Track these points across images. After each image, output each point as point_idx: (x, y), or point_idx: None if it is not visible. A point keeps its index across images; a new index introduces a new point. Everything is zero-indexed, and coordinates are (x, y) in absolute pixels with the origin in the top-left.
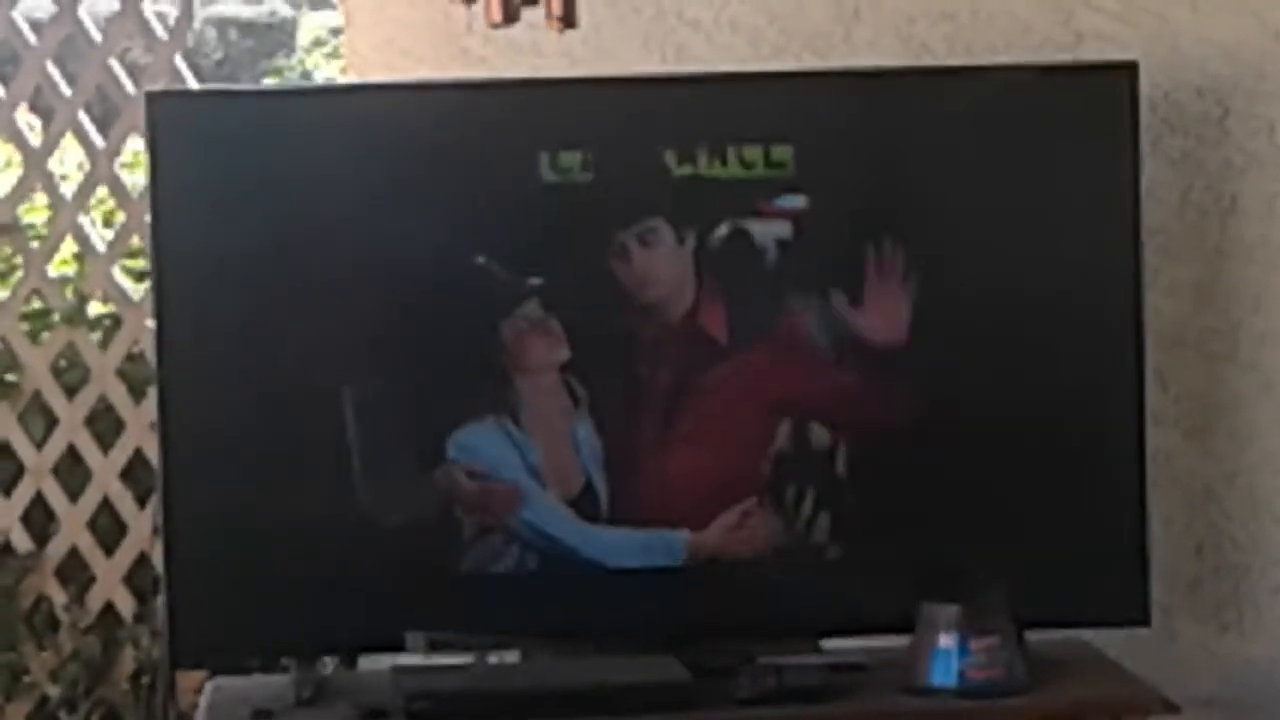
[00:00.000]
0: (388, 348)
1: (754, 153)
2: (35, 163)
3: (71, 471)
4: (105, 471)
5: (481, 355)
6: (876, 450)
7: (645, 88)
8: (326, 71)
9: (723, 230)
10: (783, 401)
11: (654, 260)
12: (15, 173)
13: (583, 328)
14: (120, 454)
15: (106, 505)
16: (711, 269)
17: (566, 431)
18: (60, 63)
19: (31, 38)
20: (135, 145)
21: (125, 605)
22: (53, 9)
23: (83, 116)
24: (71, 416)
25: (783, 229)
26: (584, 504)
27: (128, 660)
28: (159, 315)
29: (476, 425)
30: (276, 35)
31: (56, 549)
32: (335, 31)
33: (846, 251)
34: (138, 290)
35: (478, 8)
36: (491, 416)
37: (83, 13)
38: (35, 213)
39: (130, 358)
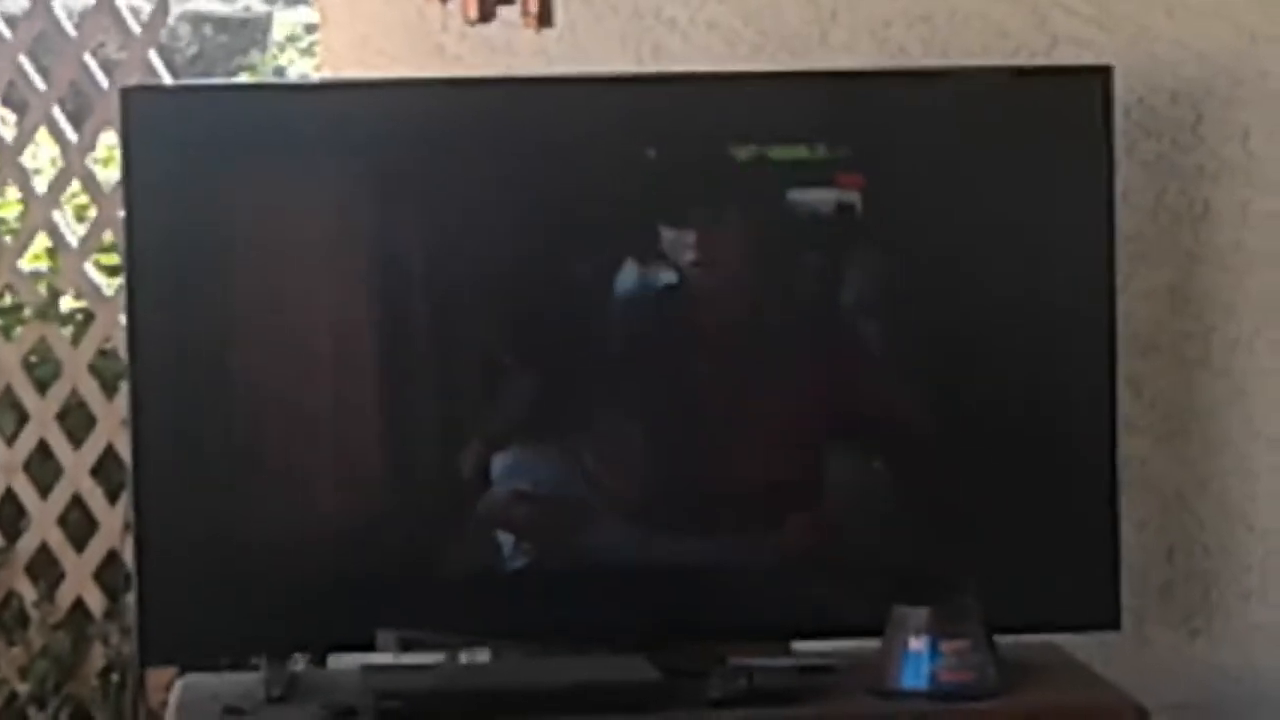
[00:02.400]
0: (359, 345)
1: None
2: (8, 157)
3: (42, 467)
4: (76, 467)
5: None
6: (849, 454)
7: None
8: (300, 68)
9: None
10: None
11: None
12: None
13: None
14: (91, 450)
15: (77, 501)
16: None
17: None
18: (34, 57)
19: (5, 32)
20: (109, 140)
21: (95, 602)
22: (26, 3)
23: (56, 111)
24: (43, 412)
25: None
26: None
27: (97, 657)
28: (131, 311)
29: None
30: (250, 31)
31: (27, 545)
32: (310, 28)
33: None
34: (110, 285)
35: (453, 5)
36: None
37: (57, 7)
38: (8, 207)
39: (102, 353)
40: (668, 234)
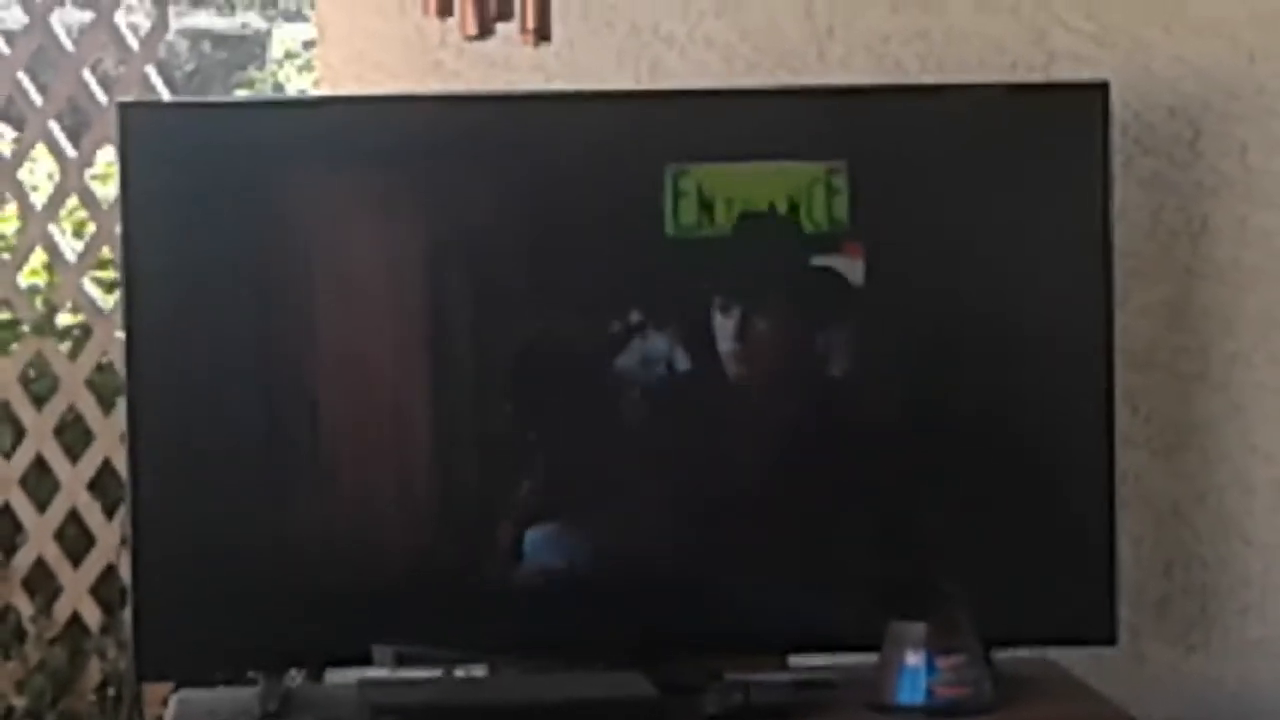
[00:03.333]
0: (356, 361)
1: None
2: (6, 172)
3: (39, 482)
4: (73, 482)
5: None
6: (844, 467)
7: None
8: (299, 84)
9: None
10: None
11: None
12: None
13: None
14: (88, 465)
15: (74, 516)
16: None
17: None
18: (32, 73)
19: (4, 47)
20: (107, 156)
21: (92, 616)
22: (25, 19)
23: (54, 127)
24: (40, 427)
25: None
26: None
27: (94, 672)
28: (129, 326)
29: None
30: (249, 47)
31: (23, 559)
32: (308, 44)
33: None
34: (107, 301)
35: (451, 21)
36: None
37: (55, 23)
38: (5, 222)
39: (100, 368)
40: None
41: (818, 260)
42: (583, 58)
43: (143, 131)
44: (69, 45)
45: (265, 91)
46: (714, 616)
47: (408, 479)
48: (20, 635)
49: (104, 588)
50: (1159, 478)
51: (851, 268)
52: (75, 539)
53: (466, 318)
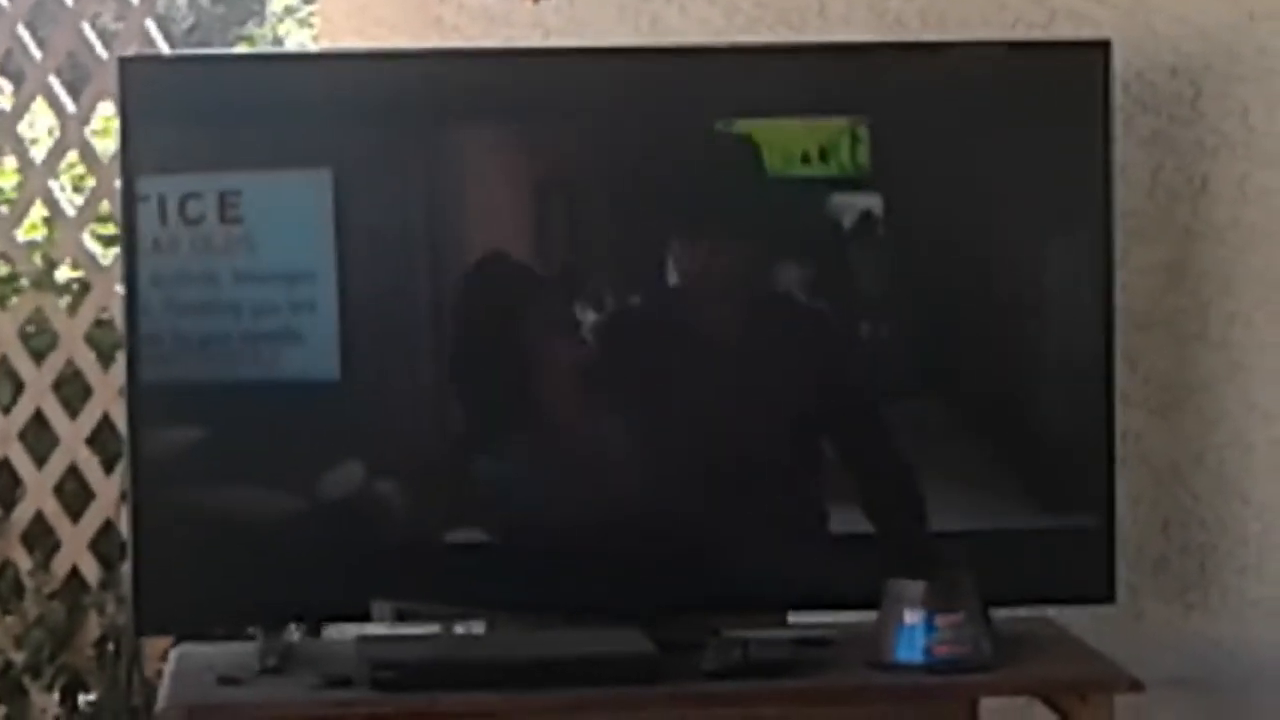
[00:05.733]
0: (354, 313)
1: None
2: (5, 127)
3: (38, 437)
4: (72, 437)
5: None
6: (845, 428)
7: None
8: (298, 39)
9: None
10: (778, 384)
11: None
12: None
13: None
14: (87, 420)
15: (73, 471)
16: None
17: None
18: (31, 27)
19: (3, 1)
20: (106, 110)
21: (91, 571)
22: None
23: (53, 81)
24: (39, 382)
25: None
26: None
27: (93, 627)
28: (128, 281)
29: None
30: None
31: (22, 514)
32: None
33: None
34: (107, 255)
35: None
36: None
37: None
38: (5, 177)
39: (99, 323)
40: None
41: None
42: (582, 13)
43: (142, 86)
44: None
45: (264, 46)
46: (713, 573)
47: (409, 435)
48: (19, 590)
49: (103, 542)
50: (1158, 437)
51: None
52: (74, 494)
53: (471, 279)
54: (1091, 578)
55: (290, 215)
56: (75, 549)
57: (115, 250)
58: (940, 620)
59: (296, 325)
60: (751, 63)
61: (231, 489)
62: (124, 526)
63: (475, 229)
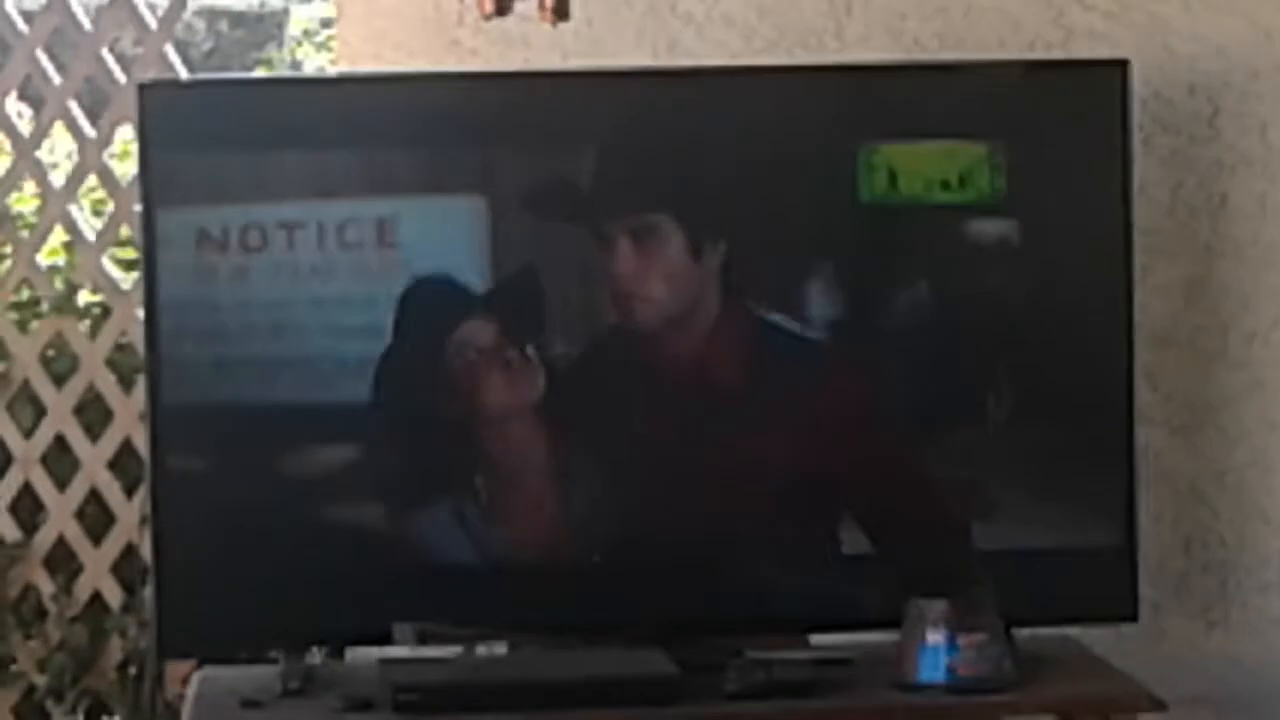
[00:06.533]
0: (374, 338)
1: None
2: (25, 152)
3: (59, 461)
4: (93, 461)
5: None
6: (865, 446)
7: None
8: (316, 63)
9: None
10: (785, 407)
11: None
12: (5, 162)
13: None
14: (108, 444)
15: (94, 495)
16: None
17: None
18: (51, 52)
19: (22, 27)
20: (125, 135)
21: (113, 595)
22: None
23: (73, 106)
24: (60, 406)
25: None
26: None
27: (115, 650)
28: (148, 305)
29: None
30: (266, 26)
31: (44, 538)
32: (326, 23)
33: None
34: (127, 280)
35: (469, 0)
36: None
37: (73, 2)
38: (24, 202)
39: (119, 347)
40: None
41: None
42: (601, 36)
43: (161, 110)
44: (87, 25)
45: (283, 70)
46: (735, 594)
47: (431, 459)
48: (41, 614)
49: (125, 566)
50: (1178, 455)
51: None
52: (96, 517)
53: (490, 297)
54: (1113, 596)
55: (313, 238)
56: (97, 573)
57: (135, 274)
58: (963, 640)
59: (319, 349)
60: (769, 85)
61: (253, 513)
62: (146, 550)
63: (495, 243)
